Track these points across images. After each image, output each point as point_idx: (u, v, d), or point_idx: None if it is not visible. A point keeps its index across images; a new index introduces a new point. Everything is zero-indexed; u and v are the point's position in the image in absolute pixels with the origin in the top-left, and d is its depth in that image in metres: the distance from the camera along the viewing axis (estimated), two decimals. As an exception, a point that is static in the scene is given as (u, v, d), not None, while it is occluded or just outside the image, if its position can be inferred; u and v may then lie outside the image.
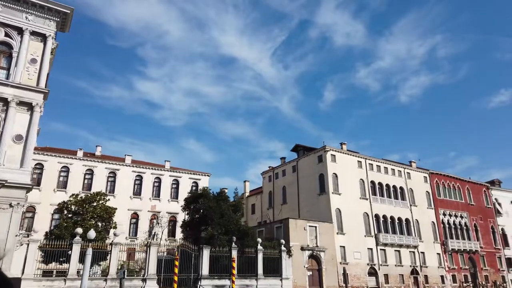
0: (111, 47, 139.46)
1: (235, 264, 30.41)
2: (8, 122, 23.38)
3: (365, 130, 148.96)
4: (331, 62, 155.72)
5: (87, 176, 47.05)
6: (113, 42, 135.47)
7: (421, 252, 50.67)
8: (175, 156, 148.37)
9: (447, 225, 56.16)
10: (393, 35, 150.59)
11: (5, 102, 23.56)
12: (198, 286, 29.37)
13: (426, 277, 49.80)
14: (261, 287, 32.69)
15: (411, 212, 52.39)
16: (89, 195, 34.34)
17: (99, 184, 45.93)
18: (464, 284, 53.08)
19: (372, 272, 44.94)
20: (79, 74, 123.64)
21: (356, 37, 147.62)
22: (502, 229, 63.09)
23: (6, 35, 25.07)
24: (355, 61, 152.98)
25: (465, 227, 58.11)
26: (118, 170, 48.83)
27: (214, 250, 30.81)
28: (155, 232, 30.87)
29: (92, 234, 18.94)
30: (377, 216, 48.57)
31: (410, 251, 49.62)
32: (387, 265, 46.43)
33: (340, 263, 41.91)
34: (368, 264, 44.82)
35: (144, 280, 27.10)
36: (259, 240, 34.38)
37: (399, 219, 50.75)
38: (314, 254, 39.50)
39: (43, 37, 26.13)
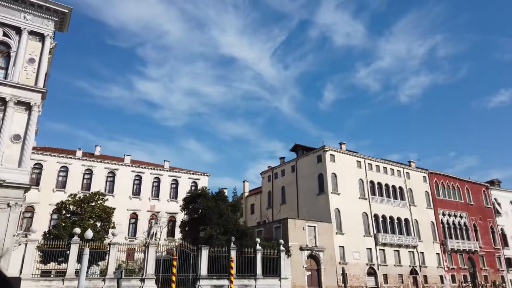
0: (111, 47, 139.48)
1: (233, 264, 30.41)
2: (6, 122, 23.33)
3: (365, 130, 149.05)
4: (331, 62, 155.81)
5: (86, 176, 47.02)
6: (113, 42, 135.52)
7: (420, 252, 50.64)
8: (175, 156, 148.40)
9: (446, 225, 56.13)
10: (393, 35, 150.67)
11: (3, 101, 23.52)
12: (197, 286, 29.34)
13: (425, 277, 49.77)
14: (260, 287, 32.67)
15: (410, 212, 52.36)
16: (88, 195, 34.30)
17: (98, 184, 45.91)
18: (464, 284, 53.06)
19: (371, 272, 44.92)
20: (79, 74, 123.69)
21: (356, 37, 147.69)
22: (502, 229, 63.06)
23: (4, 34, 25.02)
24: (355, 61, 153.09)
25: (464, 227, 58.08)
26: (117, 170, 48.81)
27: (213, 250, 30.80)
28: (153, 232, 30.82)
29: (89, 234, 18.90)
30: (376, 216, 48.54)
31: (409, 251, 49.59)
32: (386, 265, 46.40)
33: (339, 263, 41.89)
34: (367, 264, 44.79)
35: (142, 280, 27.08)
36: (258, 240, 34.38)
37: (398, 219, 50.72)
38: (313, 254, 39.48)
39: (41, 37, 26.06)
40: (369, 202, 48.70)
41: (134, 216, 48.18)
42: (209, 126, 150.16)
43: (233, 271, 30.20)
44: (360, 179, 49.30)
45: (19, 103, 24.06)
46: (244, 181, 66.46)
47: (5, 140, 23.14)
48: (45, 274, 26.66)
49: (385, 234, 47.85)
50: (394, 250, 48.14)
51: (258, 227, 44.72)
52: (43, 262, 25.81)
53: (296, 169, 52.05)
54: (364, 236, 46.17)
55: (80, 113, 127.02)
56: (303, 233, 39.53)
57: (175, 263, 26.89)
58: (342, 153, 49.40)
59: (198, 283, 29.44)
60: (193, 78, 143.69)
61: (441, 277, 51.70)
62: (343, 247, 43.33)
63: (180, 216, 45.10)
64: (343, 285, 39.39)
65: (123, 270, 23.27)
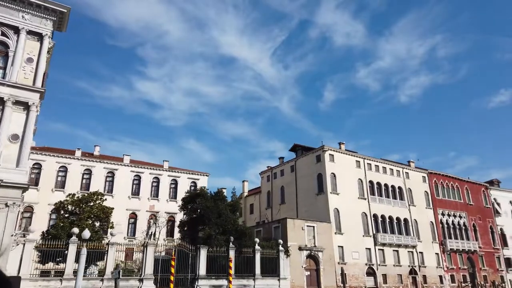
0: (111, 47, 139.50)
1: (232, 264, 30.38)
2: (4, 122, 23.29)
3: (365, 130, 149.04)
4: (331, 62, 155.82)
5: (85, 176, 46.99)
6: (113, 42, 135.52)
7: (419, 252, 50.62)
8: (175, 156, 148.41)
9: (445, 225, 56.10)
10: (393, 35, 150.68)
11: (1, 101, 23.48)
12: (195, 286, 29.32)
13: (424, 277, 49.75)
14: (259, 287, 32.64)
15: (410, 212, 52.34)
16: (86, 195, 34.27)
17: (97, 184, 45.87)
18: (463, 284, 53.03)
19: (370, 272, 44.88)
20: (79, 74, 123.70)
21: (356, 37, 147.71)
22: (501, 229, 63.04)
23: (3, 34, 24.99)
24: (355, 61, 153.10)
25: (463, 227, 58.05)
26: (116, 170, 48.78)
27: (212, 250, 30.77)
28: (152, 232, 30.78)
29: (86, 234, 18.87)
30: (375, 216, 48.51)
31: (408, 251, 49.57)
32: (385, 265, 46.37)
33: (338, 263, 41.85)
34: (366, 264, 44.76)
35: (141, 280, 27.06)
36: (257, 240, 34.34)
37: (398, 219, 50.70)
38: (312, 254, 39.45)
39: (39, 36, 26.02)
40: (368, 202, 48.67)
41: (133, 216, 48.15)
42: (209, 126, 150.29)
43: (232, 271, 30.19)
44: (359, 179, 49.28)
45: (17, 102, 24.02)
46: (243, 181, 66.49)
47: (3, 140, 23.10)
48: (45, 274, 26.64)
49: (384, 234, 47.83)
50: (393, 250, 48.11)
51: (257, 227, 44.70)
52: (41, 262, 25.79)
53: (295, 169, 52.03)
54: (363, 236, 46.14)
55: (80, 113, 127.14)
56: (302, 233, 39.51)
57: (173, 263, 26.88)
58: (341, 153, 49.37)
59: (196, 283, 29.41)
60: (193, 78, 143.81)
61: (441, 277, 51.68)
62: (342, 247, 43.30)
63: (179, 216, 45.05)
64: (342, 285, 39.37)
65: (121, 270, 23.24)
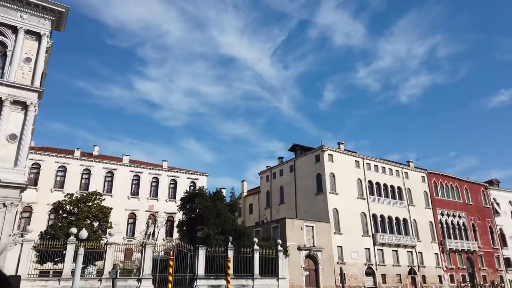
0: (111, 47, 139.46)
1: (230, 264, 30.33)
2: (2, 121, 23.29)
3: (365, 130, 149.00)
4: (331, 62, 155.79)
5: (84, 176, 46.94)
6: (112, 42, 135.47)
7: (418, 252, 50.58)
8: (175, 156, 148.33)
9: (445, 225, 56.06)
10: (393, 35, 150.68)
11: (-1, 101, 23.47)
12: (194, 286, 29.29)
13: (423, 277, 49.72)
14: (258, 287, 32.61)
15: (409, 212, 52.30)
16: (84, 194, 34.23)
17: (96, 184, 45.83)
18: (462, 284, 53.00)
19: (370, 272, 44.85)
20: (79, 74, 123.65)
21: (356, 37, 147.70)
22: (500, 229, 63.01)
23: (1, 33, 24.97)
24: (355, 61, 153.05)
25: (463, 227, 58.02)
26: (115, 170, 48.75)
27: (210, 250, 30.74)
28: (150, 232, 30.77)
29: (84, 234, 18.84)
30: (374, 216, 48.47)
31: (407, 251, 49.53)
32: (385, 265, 46.34)
33: (337, 263, 41.82)
34: (365, 264, 44.73)
35: (139, 280, 27.02)
36: (256, 240, 34.30)
37: (397, 219, 50.67)
38: (311, 254, 39.42)
39: (37, 36, 26.03)
40: (368, 202, 48.64)
41: (133, 216, 48.11)
42: (209, 126, 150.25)
43: (230, 271, 30.13)
44: (358, 179, 49.24)
45: (15, 102, 24.02)
46: (242, 181, 66.36)
47: (1, 140, 23.09)
48: (44, 274, 26.63)
49: (383, 234, 47.79)
50: (393, 250, 48.07)
51: (256, 227, 44.68)
52: (39, 262, 25.76)
53: (295, 169, 52.00)
54: (362, 236, 46.11)
55: (80, 113, 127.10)
56: (301, 233, 39.48)
57: (171, 263, 26.84)
58: (341, 153, 49.35)
59: (195, 283, 29.38)
60: (193, 78, 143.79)
61: (440, 277, 51.65)
62: (341, 247, 43.27)
63: (179, 216, 45.04)
64: (341, 285, 39.34)
65: (118, 270, 23.20)
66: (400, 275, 47.33)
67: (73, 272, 23.86)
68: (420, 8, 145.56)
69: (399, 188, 52.93)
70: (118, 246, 27.83)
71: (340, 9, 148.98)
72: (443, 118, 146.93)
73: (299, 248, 38.47)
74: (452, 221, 57.15)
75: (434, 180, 58.04)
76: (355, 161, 50.19)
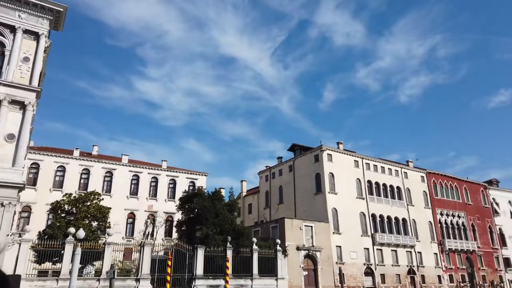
0: (111, 47, 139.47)
1: (229, 264, 30.30)
2: (0, 121, 23.25)
3: (365, 130, 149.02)
4: (331, 62, 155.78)
5: (83, 176, 46.90)
6: (112, 42, 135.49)
7: (418, 252, 50.55)
8: (175, 156, 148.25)
9: (444, 225, 56.03)
10: (393, 35, 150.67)
11: (-3, 100, 23.43)
12: (193, 286, 29.25)
13: (423, 277, 49.70)
14: (256, 287, 32.58)
15: (408, 212, 52.27)
16: (83, 194, 34.19)
17: (95, 184, 45.76)
18: (461, 284, 52.97)
19: (369, 272, 44.82)
20: (79, 74, 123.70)
21: (356, 37, 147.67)
22: (500, 229, 62.99)
23: (-1, 33, 24.94)
24: (355, 61, 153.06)
25: (462, 227, 57.99)
26: (114, 169, 48.71)
27: (209, 250, 30.68)
28: (148, 232, 30.73)
29: (81, 233, 18.81)
30: (373, 215, 48.43)
31: (407, 251, 49.50)
32: (384, 265, 46.31)
33: (336, 263, 41.79)
34: (364, 264, 44.69)
35: (137, 280, 26.98)
36: (255, 240, 34.26)
37: (396, 218, 50.64)
38: (310, 254, 39.39)
39: (36, 36, 25.97)
40: (367, 202, 48.61)
41: (132, 216, 48.08)
42: (209, 126, 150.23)
43: (229, 271, 30.10)
44: (357, 178, 49.20)
45: (13, 102, 23.97)
46: (241, 181, 66.30)
47: (-1, 139, 23.05)
48: (43, 274, 26.60)
49: (382, 234, 47.76)
50: (392, 250, 48.04)
51: (256, 227, 44.66)
52: (37, 262, 25.72)
53: (294, 168, 51.97)
54: (361, 236, 46.07)
55: (80, 113, 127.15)
56: (300, 232, 39.45)
57: (170, 262, 26.81)
58: (340, 152, 49.30)
59: (193, 283, 29.35)
60: (193, 78, 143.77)
61: (439, 277, 51.63)
62: (340, 247, 43.23)
63: (178, 216, 45.03)
64: (340, 285, 39.30)
65: (116, 270, 23.16)
66: (399, 275, 47.30)
67: (71, 272, 23.89)
68: (420, 8, 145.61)
69: (398, 188, 52.90)
70: (116, 246, 27.79)
71: (340, 9, 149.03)
72: (443, 118, 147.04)
73: (298, 248, 38.44)
74: (451, 221, 57.12)
75: (434, 180, 58.01)
76: (354, 161, 50.15)
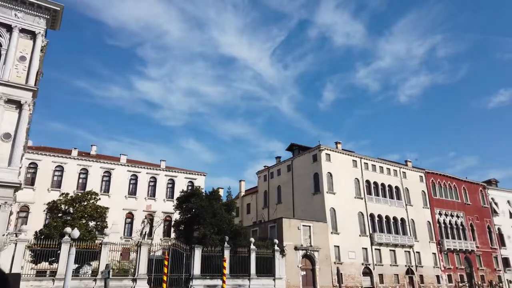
0: (110, 47, 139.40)
1: (226, 264, 30.24)
2: (-4, 120, 23.19)
3: (365, 130, 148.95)
4: (331, 62, 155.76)
5: (81, 176, 46.81)
6: (112, 42, 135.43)
7: (416, 252, 50.48)
8: (175, 156, 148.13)
9: (443, 225, 55.97)
10: (393, 35, 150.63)
11: (-7, 100, 23.37)
12: (190, 286, 29.19)
13: (421, 277, 49.64)
14: (254, 287, 32.51)
15: (407, 212, 52.20)
16: (79, 194, 34.11)
17: (93, 184, 45.64)
18: (460, 284, 52.92)
19: (367, 272, 44.77)
20: (78, 73, 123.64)
21: (355, 37, 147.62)
22: (499, 229, 62.94)
23: (-5, 32, 24.88)
24: (355, 61, 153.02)
25: (461, 227, 57.95)
26: (113, 169, 48.63)
27: (206, 250, 30.62)
28: (145, 232, 30.63)
29: (75, 233, 18.74)
30: (372, 215, 48.37)
31: (405, 251, 49.43)
32: (382, 265, 46.25)
33: (334, 262, 41.73)
34: (362, 264, 44.63)
35: (134, 280, 26.92)
36: (252, 239, 34.21)
37: (395, 218, 50.58)
38: (308, 253, 39.32)
39: (32, 35, 25.91)
40: (365, 202, 48.54)
41: (130, 216, 47.99)
42: (208, 126, 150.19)
43: (226, 271, 30.04)
44: (356, 178, 49.13)
45: (9, 101, 23.91)
46: (240, 181, 66.08)
47: (-5, 139, 22.99)
48: (40, 274, 26.53)
49: (381, 233, 47.70)
50: (390, 250, 47.99)
51: (254, 226, 44.61)
52: (34, 262, 25.66)
53: (292, 168, 51.90)
54: (359, 235, 46.02)
55: (79, 113, 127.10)
56: (298, 232, 39.38)
57: (166, 262, 26.76)
58: (338, 152, 49.23)
59: (191, 283, 29.29)
60: (192, 78, 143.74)
61: (438, 277, 51.57)
62: (338, 246, 43.18)
63: (176, 216, 44.99)
64: (338, 285, 39.21)
65: (111, 270, 23.09)
66: (397, 275, 47.24)
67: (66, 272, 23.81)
68: (420, 8, 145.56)
69: (396, 187, 52.84)
70: (113, 245, 27.74)
71: (339, 9, 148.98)
72: (443, 118, 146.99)
73: (296, 248, 38.37)
74: (450, 221, 57.07)
75: (432, 180, 57.95)
76: (353, 160, 50.09)
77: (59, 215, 30.89)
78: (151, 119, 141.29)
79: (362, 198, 48.49)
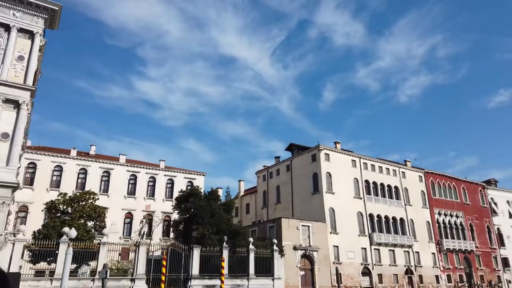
0: (110, 47, 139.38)
1: (224, 264, 30.20)
2: (-6, 120, 23.17)
3: (365, 130, 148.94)
4: (331, 62, 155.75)
5: (80, 176, 46.79)
6: (112, 42, 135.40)
7: (415, 252, 50.45)
8: (175, 156, 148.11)
9: (442, 225, 55.95)
10: (393, 35, 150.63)
11: (-9, 99, 23.34)
12: (188, 286, 29.15)
13: (420, 277, 49.61)
14: (253, 287, 32.47)
15: (406, 212, 52.17)
16: (78, 194, 34.06)
17: (92, 184, 45.64)
18: (459, 284, 52.89)
19: (366, 272, 44.73)
20: (78, 73, 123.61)
21: (355, 37, 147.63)
22: (498, 229, 62.92)
23: (-7, 32, 24.85)
24: (355, 61, 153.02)
25: (460, 227, 57.93)
26: (112, 169, 48.61)
27: (205, 250, 30.58)
28: (143, 232, 30.61)
29: (72, 233, 18.69)
30: (371, 215, 48.34)
31: (404, 251, 49.39)
32: (381, 265, 46.21)
33: (333, 262, 41.70)
34: (361, 264, 44.60)
35: (132, 280, 26.88)
36: (251, 239, 34.16)
37: (394, 218, 50.54)
38: (307, 253, 39.29)
39: (31, 34, 25.91)
40: (364, 202, 48.51)
41: (129, 216, 47.96)
42: (208, 126, 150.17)
43: (224, 271, 29.99)
44: (355, 178, 49.09)
45: (7, 101, 23.90)
46: (239, 181, 66.07)
47: (-7, 139, 22.96)
48: (39, 274, 26.49)
49: (380, 233, 47.67)
50: (389, 250, 47.96)
51: (253, 226, 44.56)
52: (32, 262, 25.62)
53: (291, 168, 51.87)
54: (358, 235, 45.98)
55: (79, 113, 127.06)
56: (297, 232, 39.35)
57: (164, 262, 26.71)
58: (337, 152, 49.19)
59: (189, 283, 29.25)
60: (192, 78, 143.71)
61: (437, 277, 51.54)
62: (337, 246, 43.14)
63: (175, 216, 44.96)
64: (337, 285, 39.19)
65: (108, 270, 23.05)
66: (396, 275, 47.21)
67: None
68: (420, 8, 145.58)
69: (396, 187, 52.81)
70: (112, 245, 27.70)
71: (339, 9, 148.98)
72: (443, 118, 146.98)
73: (295, 248, 38.34)
74: (449, 221, 57.05)
75: (432, 180, 57.93)
76: (352, 160, 50.06)
77: (57, 215, 30.84)
78: (151, 119, 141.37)
79: (361, 198, 48.46)
